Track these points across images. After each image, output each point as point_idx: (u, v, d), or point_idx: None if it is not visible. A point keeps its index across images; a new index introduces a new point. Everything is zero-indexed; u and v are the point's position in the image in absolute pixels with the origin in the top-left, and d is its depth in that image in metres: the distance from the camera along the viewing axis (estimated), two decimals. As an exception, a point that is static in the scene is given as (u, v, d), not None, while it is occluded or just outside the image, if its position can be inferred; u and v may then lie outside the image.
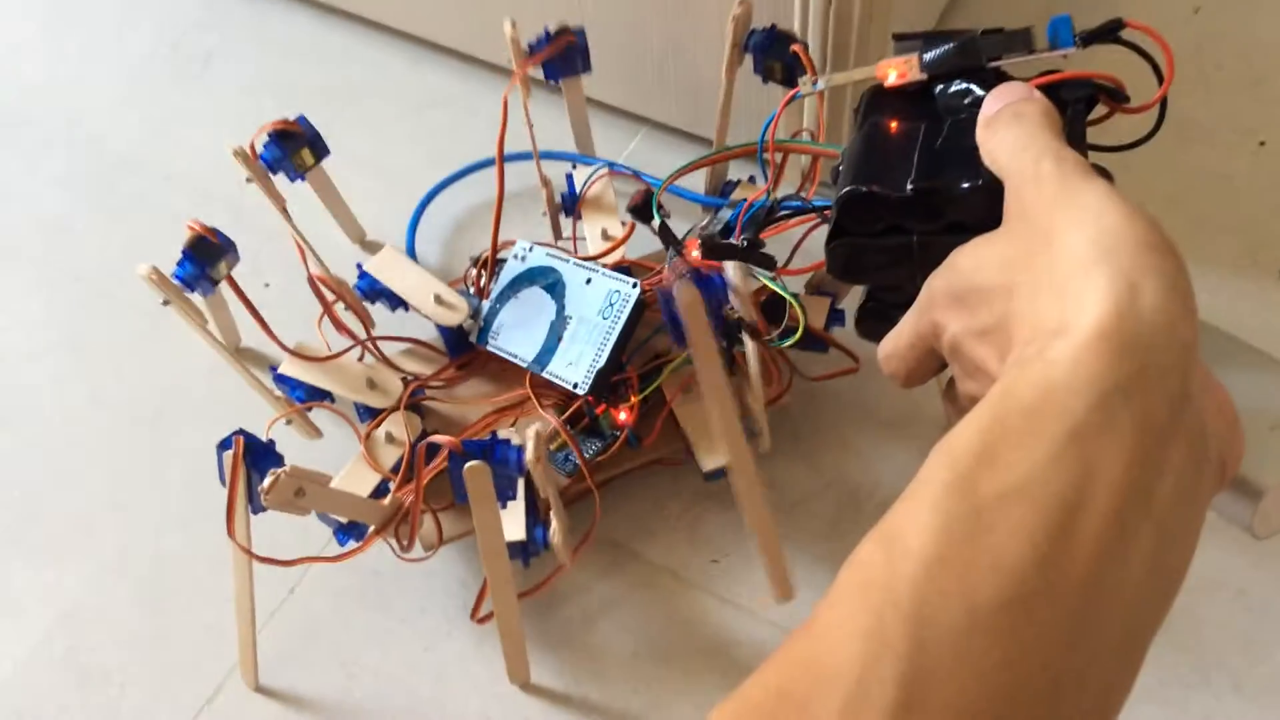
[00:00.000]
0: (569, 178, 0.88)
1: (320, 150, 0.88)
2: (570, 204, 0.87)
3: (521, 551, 0.74)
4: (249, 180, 0.82)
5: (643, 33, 0.94)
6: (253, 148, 0.83)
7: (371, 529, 0.74)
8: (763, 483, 0.71)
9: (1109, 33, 0.49)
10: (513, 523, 0.74)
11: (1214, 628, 0.77)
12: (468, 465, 0.65)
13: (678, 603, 0.81)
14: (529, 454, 0.67)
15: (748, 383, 0.76)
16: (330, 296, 0.83)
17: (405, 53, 1.12)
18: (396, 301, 0.84)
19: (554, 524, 0.72)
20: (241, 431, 0.68)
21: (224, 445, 0.69)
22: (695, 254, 0.76)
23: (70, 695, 0.80)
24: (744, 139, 0.88)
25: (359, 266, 0.85)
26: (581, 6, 0.94)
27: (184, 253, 0.78)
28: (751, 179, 0.92)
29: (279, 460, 0.69)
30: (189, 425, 0.91)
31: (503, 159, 0.83)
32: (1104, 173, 0.48)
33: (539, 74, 0.87)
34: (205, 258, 0.79)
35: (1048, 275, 0.39)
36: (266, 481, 0.64)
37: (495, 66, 1.08)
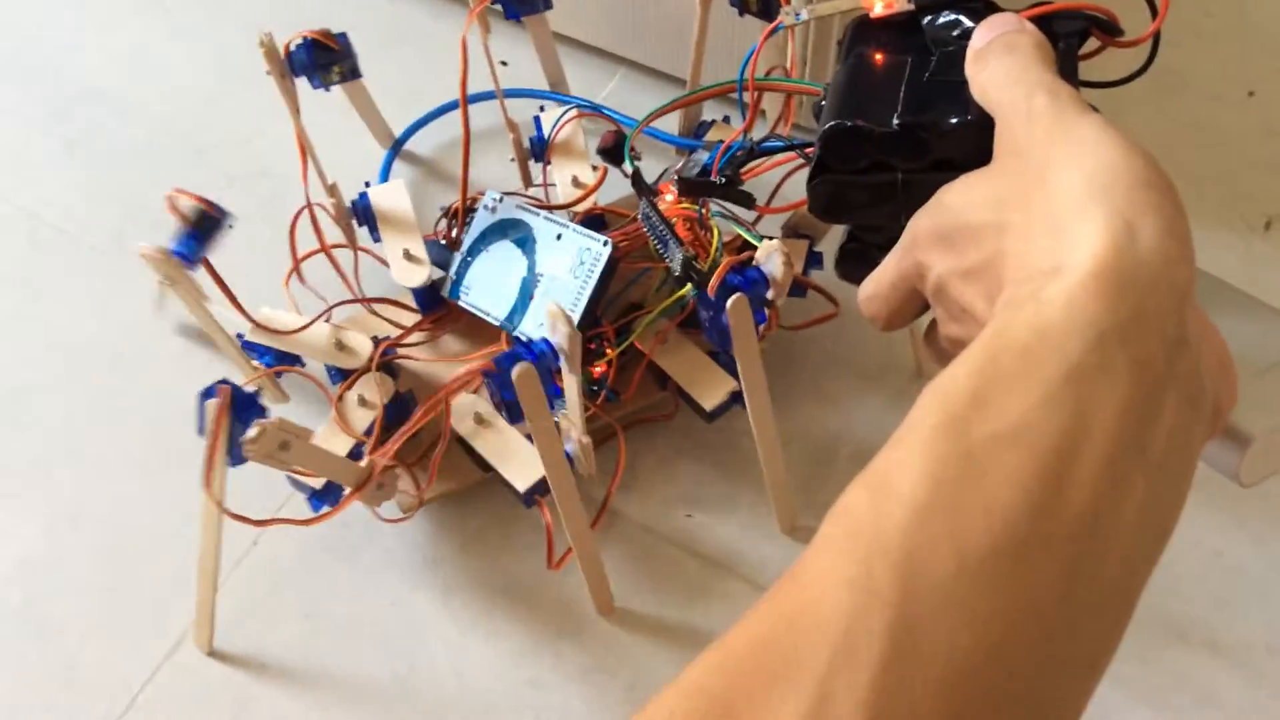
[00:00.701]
0: (537, 120, 0.85)
1: (352, 70, 0.85)
2: (539, 149, 0.85)
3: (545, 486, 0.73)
4: (267, 73, 0.79)
5: None
6: (287, 48, 0.80)
7: (348, 491, 0.72)
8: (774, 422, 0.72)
9: None
10: (533, 460, 0.72)
11: (1191, 585, 0.77)
12: (517, 369, 0.63)
13: (654, 557, 0.79)
14: (562, 333, 0.65)
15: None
16: (318, 242, 0.81)
17: None
18: (378, 234, 0.82)
19: (575, 431, 0.71)
20: (226, 380, 0.66)
21: (206, 394, 0.66)
22: (670, 197, 0.75)
23: (27, 645, 0.78)
24: (722, 78, 0.85)
25: (366, 185, 0.83)
26: None
27: (190, 230, 0.75)
28: (726, 119, 0.89)
29: (262, 411, 0.67)
30: (149, 369, 0.89)
31: (466, 104, 0.80)
32: (1095, 111, 0.47)
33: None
34: (208, 233, 0.75)
35: (1041, 213, 0.38)
36: (252, 431, 0.63)
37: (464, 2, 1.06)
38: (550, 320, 0.65)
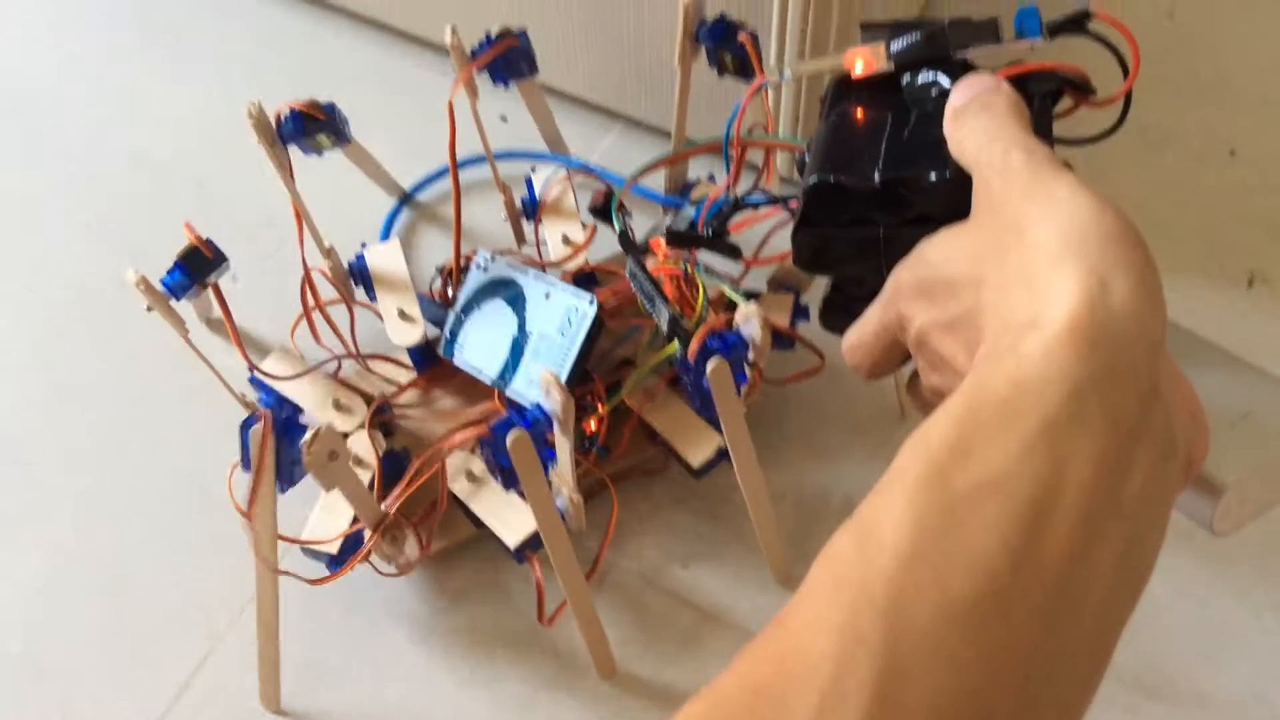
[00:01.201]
0: (528, 180, 0.87)
1: (341, 138, 0.86)
2: (531, 208, 0.86)
3: (537, 541, 0.74)
4: (258, 143, 0.81)
5: (614, 25, 0.93)
6: (278, 117, 0.82)
7: (367, 535, 0.73)
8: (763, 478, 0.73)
9: (1076, 24, 0.49)
10: (524, 516, 0.73)
11: (1177, 635, 0.78)
12: (512, 436, 0.64)
13: (647, 608, 0.80)
14: (555, 399, 0.66)
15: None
16: (313, 300, 0.82)
17: (376, 40, 1.11)
18: (374, 293, 0.84)
19: (567, 490, 0.71)
20: (268, 405, 0.66)
21: (247, 423, 0.66)
22: (661, 253, 0.76)
23: (25, 688, 0.78)
24: (707, 133, 0.87)
25: (363, 245, 0.84)
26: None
27: (176, 263, 0.76)
28: (711, 177, 0.91)
29: (304, 430, 0.66)
30: (150, 411, 0.90)
31: (456, 168, 0.82)
32: (1066, 166, 0.48)
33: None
34: (197, 270, 0.76)
35: (1018, 267, 0.39)
36: (308, 435, 0.63)
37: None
38: (543, 386, 0.66)
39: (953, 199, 0.46)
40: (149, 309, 0.75)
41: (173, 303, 0.75)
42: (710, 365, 0.66)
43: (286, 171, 0.81)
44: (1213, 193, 0.98)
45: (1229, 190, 0.98)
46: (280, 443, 0.66)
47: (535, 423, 0.66)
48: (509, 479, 0.66)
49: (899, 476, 0.36)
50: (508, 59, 0.84)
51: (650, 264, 0.75)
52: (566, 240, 0.84)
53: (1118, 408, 0.35)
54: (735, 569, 0.81)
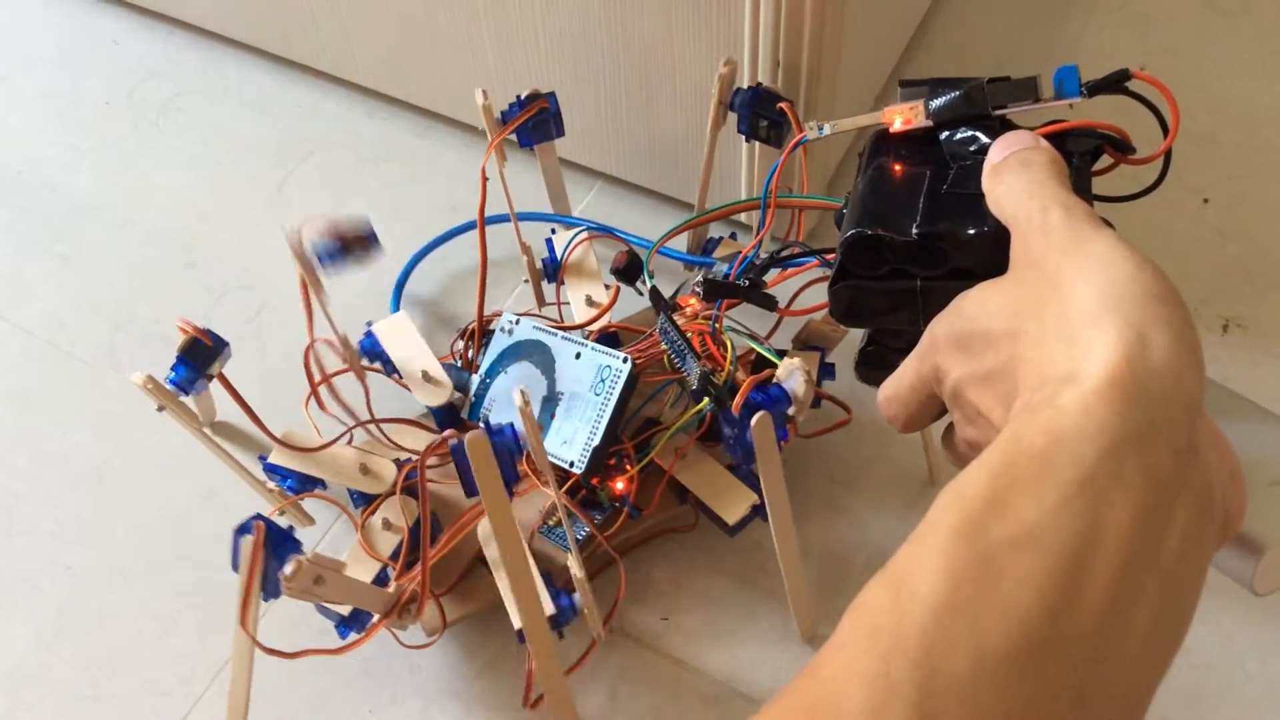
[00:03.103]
0: (549, 242, 0.87)
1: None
2: (552, 270, 0.87)
3: (553, 623, 0.73)
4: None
5: (594, 88, 0.95)
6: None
7: (375, 619, 0.72)
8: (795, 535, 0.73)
9: (1115, 83, 0.50)
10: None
11: (1220, 698, 0.77)
12: (468, 436, 0.63)
13: (671, 666, 0.80)
14: (523, 426, 0.65)
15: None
16: (319, 372, 0.81)
17: (361, 106, 1.12)
18: (393, 368, 0.83)
19: (580, 586, 0.71)
20: (260, 516, 0.66)
21: (242, 530, 0.66)
22: (692, 306, 0.76)
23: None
24: (677, 191, 0.90)
25: (368, 325, 0.84)
26: (528, 63, 0.95)
27: (178, 358, 0.76)
28: (733, 236, 0.92)
29: (298, 546, 0.67)
30: (135, 480, 0.90)
31: (484, 229, 0.83)
32: (1105, 224, 0.49)
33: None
34: (200, 361, 0.77)
35: (1056, 323, 0.39)
36: (288, 568, 0.63)
37: (451, 120, 1.09)
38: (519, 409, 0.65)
39: (990, 254, 0.46)
40: (160, 409, 0.75)
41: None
42: (755, 419, 0.66)
43: (320, 291, 0.81)
44: (1187, 240, 0.99)
45: (1203, 238, 0.99)
46: (269, 559, 0.65)
47: (499, 434, 0.65)
48: (472, 488, 0.65)
49: (933, 528, 0.36)
50: (538, 122, 0.85)
51: (681, 320, 0.75)
52: (590, 301, 0.84)
53: (1155, 464, 0.35)
54: (762, 626, 0.81)
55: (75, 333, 0.98)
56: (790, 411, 0.68)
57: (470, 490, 0.65)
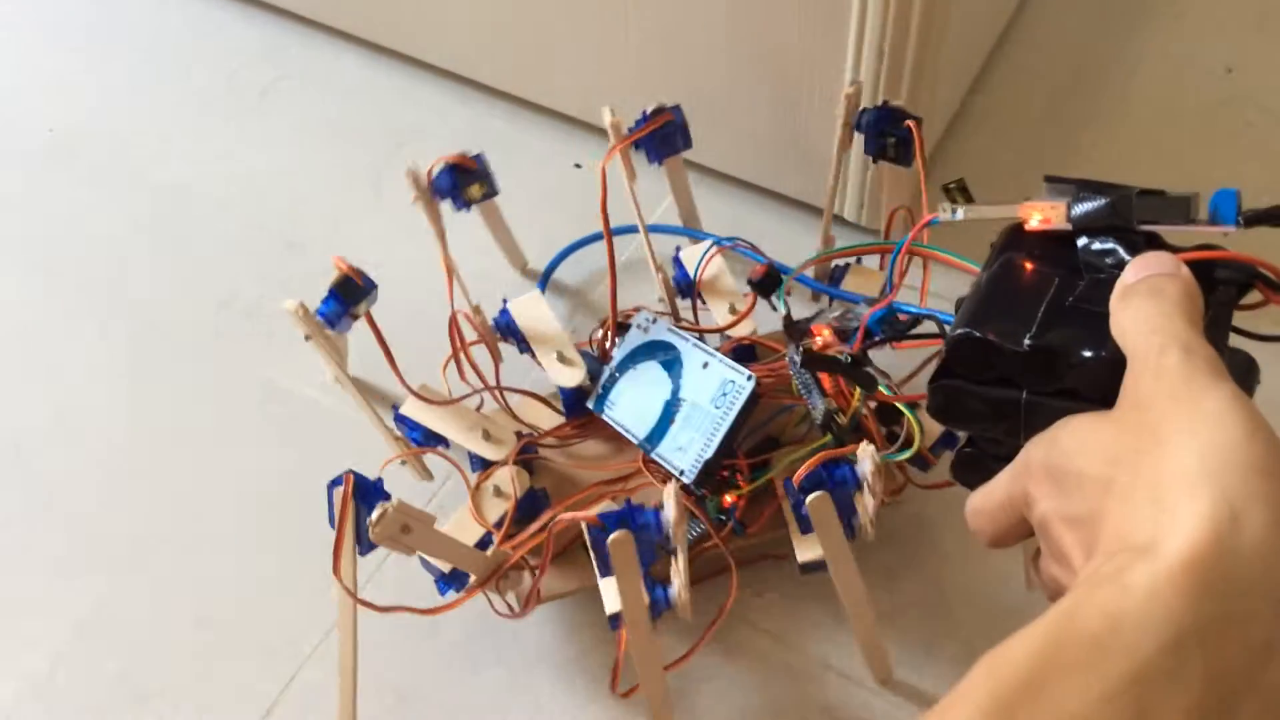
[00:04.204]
0: (677, 259, 0.87)
1: (490, 188, 0.89)
2: (685, 286, 0.86)
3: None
4: (414, 200, 0.84)
5: (692, 81, 0.95)
6: (429, 173, 0.84)
7: (473, 580, 0.74)
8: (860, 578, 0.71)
9: (1277, 218, 0.46)
10: None
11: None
12: (613, 537, 0.64)
13: (776, 671, 0.79)
14: (671, 513, 0.65)
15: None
16: (471, 335, 0.83)
17: (454, 92, 1.13)
18: (526, 346, 0.84)
19: (678, 581, 0.71)
20: (351, 470, 0.69)
21: (334, 484, 0.69)
22: (824, 337, 0.75)
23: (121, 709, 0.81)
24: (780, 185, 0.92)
25: (504, 301, 0.86)
26: (625, 50, 0.95)
27: (331, 291, 0.79)
28: (859, 261, 0.89)
29: (386, 497, 0.69)
30: (241, 450, 0.93)
31: (610, 234, 0.83)
32: (1249, 362, 0.45)
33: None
34: (350, 297, 0.80)
35: (1149, 479, 0.37)
36: (375, 514, 0.65)
37: (547, 110, 1.10)
38: (667, 499, 0.65)
39: (1104, 380, 0.43)
40: (306, 338, 0.77)
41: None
42: (811, 498, 0.65)
43: (440, 230, 0.84)
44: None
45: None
46: (360, 510, 0.67)
47: (644, 528, 0.65)
48: (605, 567, 0.66)
49: (963, 699, 0.34)
50: (664, 135, 0.85)
51: (814, 346, 0.74)
52: (733, 310, 0.83)
53: (1222, 663, 0.33)
54: (850, 659, 0.79)
55: (180, 308, 1.01)
56: (860, 498, 0.66)
57: (604, 572, 0.66)
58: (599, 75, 1.00)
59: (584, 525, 0.65)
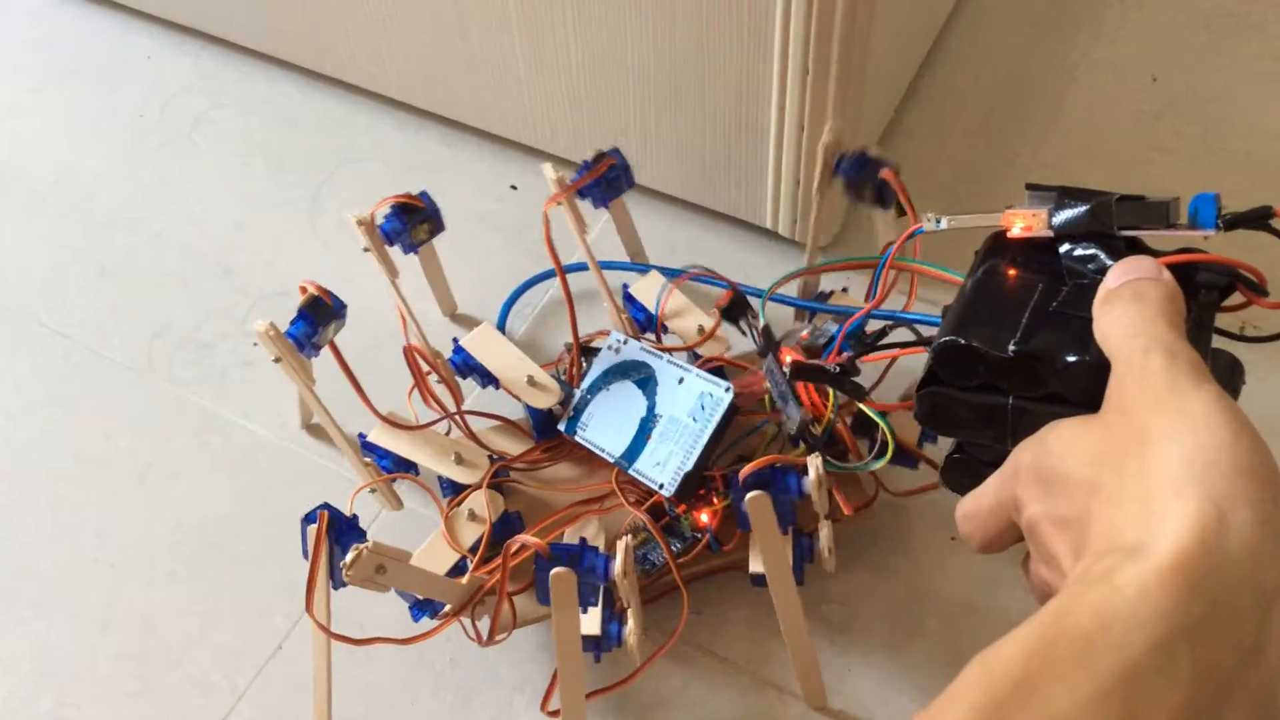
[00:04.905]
0: (628, 296, 0.87)
1: (437, 227, 0.89)
2: (644, 323, 0.87)
3: (594, 646, 0.73)
4: (365, 250, 0.84)
5: (624, 98, 0.95)
6: (372, 217, 0.84)
7: (447, 608, 0.73)
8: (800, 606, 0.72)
9: (1256, 220, 0.47)
10: (589, 617, 0.73)
11: None
12: (554, 572, 0.64)
13: (742, 695, 0.79)
14: (617, 567, 0.66)
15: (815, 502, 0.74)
16: (416, 373, 0.83)
17: (391, 118, 1.13)
18: (488, 379, 0.84)
19: (630, 625, 0.71)
20: (326, 505, 0.68)
21: (308, 519, 0.68)
22: (788, 362, 0.75)
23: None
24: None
25: (455, 341, 0.85)
26: (558, 73, 0.96)
27: (300, 312, 0.78)
28: (845, 290, 0.90)
29: (362, 535, 0.68)
30: (175, 481, 0.92)
31: (563, 271, 0.85)
32: (1233, 362, 0.46)
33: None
34: (319, 319, 0.79)
35: (1135, 482, 0.37)
36: (349, 556, 0.64)
37: (484, 133, 1.10)
38: (619, 552, 0.66)
39: (1088, 384, 0.44)
40: (276, 360, 0.76)
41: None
42: (750, 495, 0.65)
43: (393, 273, 0.83)
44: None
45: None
46: (333, 548, 0.66)
47: (589, 571, 0.66)
48: (544, 597, 0.66)
49: (955, 701, 0.34)
50: (609, 180, 0.85)
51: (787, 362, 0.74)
52: (701, 330, 0.84)
53: (1210, 660, 0.33)
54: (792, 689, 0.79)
55: (114, 338, 1.00)
56: (822, 524, 0.67)
57: (543, 600, 0.66)
58: (533, 98, 1.00)
59: (535, 552, 0.65)
